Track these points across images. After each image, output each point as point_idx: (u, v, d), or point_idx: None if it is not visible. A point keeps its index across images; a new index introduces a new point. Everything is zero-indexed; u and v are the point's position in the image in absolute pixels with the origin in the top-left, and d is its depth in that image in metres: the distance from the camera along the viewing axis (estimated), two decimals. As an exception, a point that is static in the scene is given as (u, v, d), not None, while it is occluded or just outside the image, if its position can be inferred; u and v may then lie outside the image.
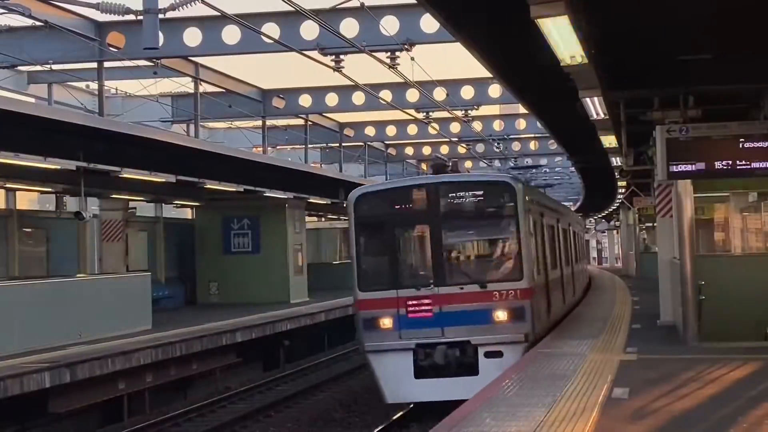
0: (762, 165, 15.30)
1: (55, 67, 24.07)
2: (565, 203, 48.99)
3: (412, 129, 39.97)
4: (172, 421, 19.30)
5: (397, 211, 17.59)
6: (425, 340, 16.89)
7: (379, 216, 17.73)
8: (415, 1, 18.18)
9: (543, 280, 19.27)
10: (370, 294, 17.28)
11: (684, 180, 16.59)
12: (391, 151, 46.34)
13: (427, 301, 16.98)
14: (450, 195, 17.47)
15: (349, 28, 20.94)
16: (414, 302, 17.00)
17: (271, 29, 21.14)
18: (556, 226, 23.84)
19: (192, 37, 22.14)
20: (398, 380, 17.01)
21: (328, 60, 21.11)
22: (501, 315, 16.92)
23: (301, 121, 37.43)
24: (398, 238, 18.04)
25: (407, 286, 17.18)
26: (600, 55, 12.50)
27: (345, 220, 28.86)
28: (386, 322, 17.05)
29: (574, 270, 28.84)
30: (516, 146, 43.59)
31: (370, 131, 41.41)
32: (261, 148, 35.51)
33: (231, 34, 22.00)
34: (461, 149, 42.47)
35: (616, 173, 29.86)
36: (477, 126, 37.30)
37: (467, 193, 17.47)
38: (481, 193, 17.47)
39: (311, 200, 35.02)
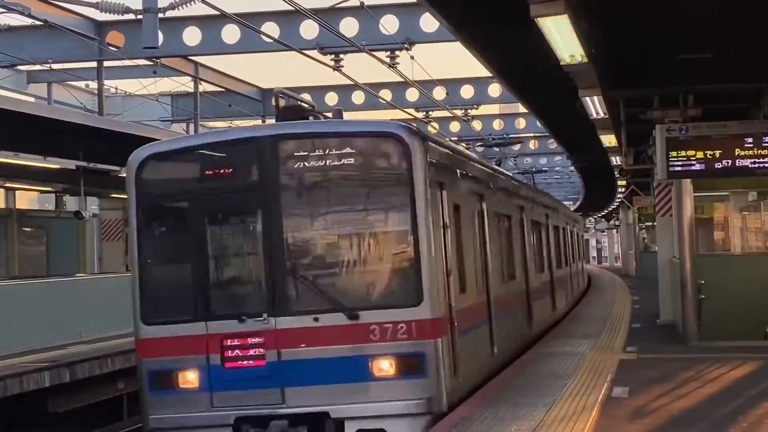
0: (762, 164, 15.30)
1: (54, 66, 24.10)
2: (566, 202, 48.86)
3: (411, 128, 39.87)
4: (171, 421, 19.29)
5: (207, 184, 10.88)
6: (253, 411, 10.30)
7: (177, 193, 11.16)
8: (415, 1, 18.20)
9: (475, 301, 12.82)
10: (161, 329, 10.68)
11: (684, 179, 16.60)
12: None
13: (256, 341, 10.36)
14: (297, 157, 10.69)
15: (349, 27, 20.95)
16: (235, 343, 10.39)
17: (271, 28, 21.14)
18: (519, 217, 17.87)
19: (192, 36, 22.15)
20: None
21: (328, 59, 21.11)
22: (384, 366, 10.33)
23: (300, 121, 37.37)
24: (209, 231, 11.09)
25: (223, 316, 10.53)
26: (600, 54, 12.49)
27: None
28: (188, 379, 10.49)
29: (554, 278, 22.99)
30: (516, 145, 43.58)
31: (369, 130, 41.34)
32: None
33: (231, 34, 22.00)
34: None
35: (615, 172, 29.86)
36: (477, 125, 37.30)
37: (327, 154, 10.64)
38: (350, 153, 10.62)
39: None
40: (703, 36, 13.55)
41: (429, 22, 20.66)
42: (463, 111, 32.04)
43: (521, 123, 39.41)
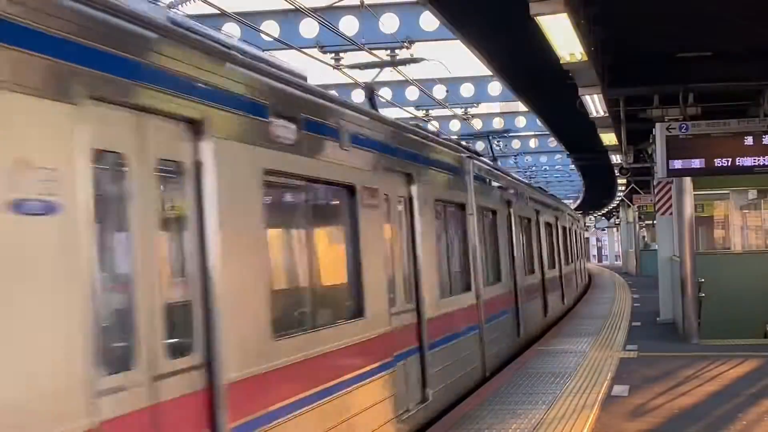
0: (761, 162, 15.31)
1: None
2: (566, 201, 48.80)
3: (411, 127, 39.85)
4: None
5: None
6: None
7: None
8: (415, -1, 18.21)
9: None
10: None
11: (683, 177, 16.60)
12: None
13: None
14: None
15: (349, 25, 20.95)
16: None
17: (271, 27, 21.15)
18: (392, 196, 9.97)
19: (191, 35, 22.13)
20: None
21: (328, 58, 21.11)
22: None
23: (300, 119, 37.35)
24: None
25: None
26: (599, 53, 12.50)
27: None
28: None
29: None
30: (516, 144, 43.57)
31: (369, 129, 41.34)
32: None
33: (230, 32, 22.00)
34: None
35: (615, 171, 29.87)
36: (477, 124, 37.28)
37: None
38: None
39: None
40: (703, 34, 13.55)
41: (429, 21, 20.67)
42: (463, 109, 32.04)
43: (521, 121, 39.38)
